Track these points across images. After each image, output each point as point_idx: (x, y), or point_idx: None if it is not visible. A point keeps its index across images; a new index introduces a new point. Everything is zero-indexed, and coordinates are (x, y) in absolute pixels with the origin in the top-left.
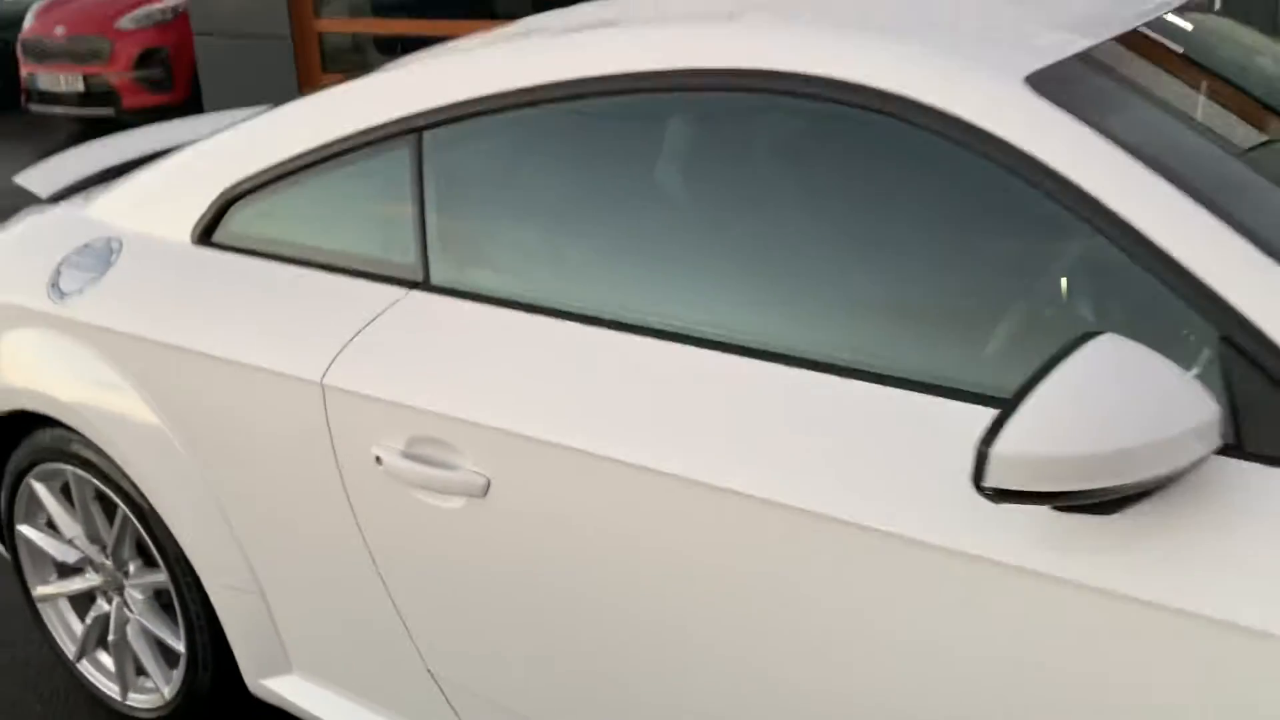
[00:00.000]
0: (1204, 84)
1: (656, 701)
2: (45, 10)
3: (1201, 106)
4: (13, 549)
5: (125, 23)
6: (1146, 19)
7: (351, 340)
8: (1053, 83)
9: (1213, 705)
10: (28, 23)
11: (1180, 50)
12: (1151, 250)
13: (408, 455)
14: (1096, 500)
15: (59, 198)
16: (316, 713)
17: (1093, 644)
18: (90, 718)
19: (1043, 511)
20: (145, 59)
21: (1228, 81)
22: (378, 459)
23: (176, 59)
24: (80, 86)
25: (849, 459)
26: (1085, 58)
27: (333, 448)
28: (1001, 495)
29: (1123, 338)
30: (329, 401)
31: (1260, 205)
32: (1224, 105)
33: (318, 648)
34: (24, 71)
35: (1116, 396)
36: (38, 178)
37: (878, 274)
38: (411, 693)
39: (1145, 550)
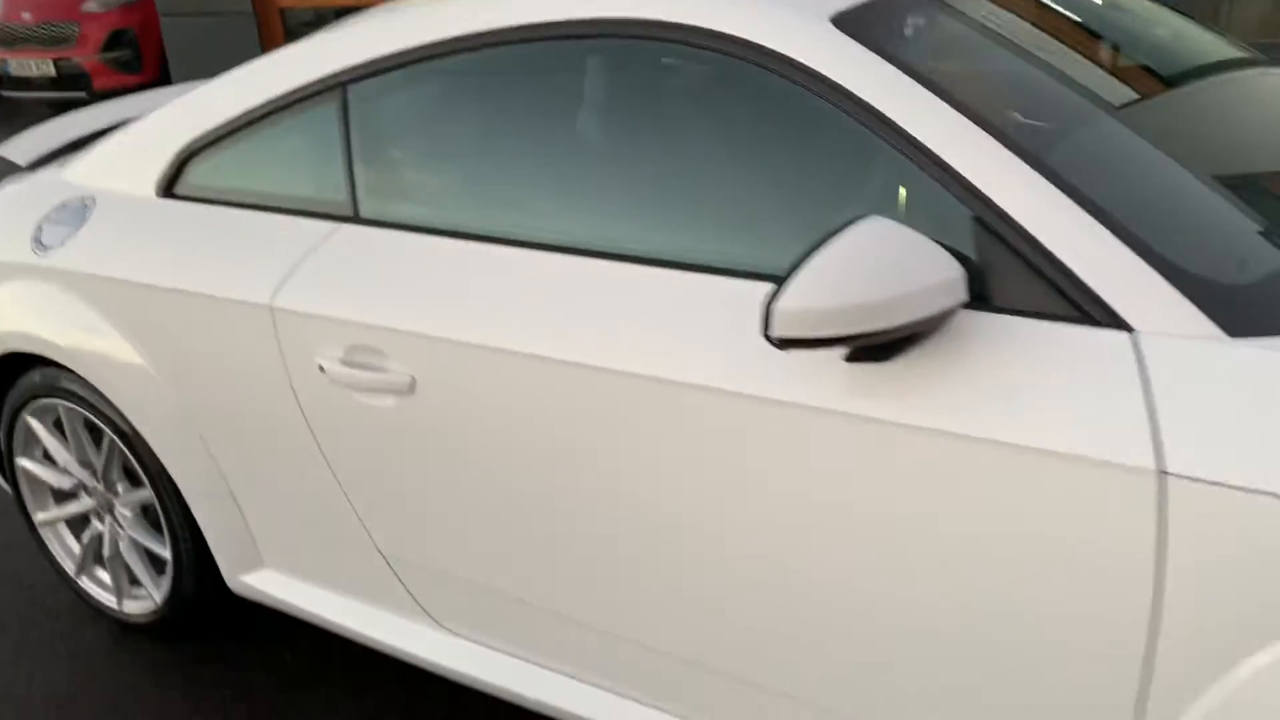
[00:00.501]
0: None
1: (561, 555)
2: None
3: (994, 35)
4: (13, 481)
5: (91, 6)
6: None
7: (295, 269)
8: (853, 21)
9: (987, 512)
10: None
11: None
12: (925, 152)
13: (346, 362)
14: (870, 345)
15: (37, 165)
16: (289, 600)
17: (883, 467)
18: (93, 627)
19: (838, 363)
20: (113, 41)
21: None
22: (321, 368)
23: (144, 39)
24: (51, 71)
25: (704, 337)
26: (883, 2)
27: (283, 361)
28: (786, 343)
29: (886, 219)
30: (278, 321)
31: (1023, 114)
32: (1020, 35)
33: (284, 542)
34: None
35: (876, 260)
36: (17, 148)
37: (712, 185)
38: (366, 573)
39: (921, 388)
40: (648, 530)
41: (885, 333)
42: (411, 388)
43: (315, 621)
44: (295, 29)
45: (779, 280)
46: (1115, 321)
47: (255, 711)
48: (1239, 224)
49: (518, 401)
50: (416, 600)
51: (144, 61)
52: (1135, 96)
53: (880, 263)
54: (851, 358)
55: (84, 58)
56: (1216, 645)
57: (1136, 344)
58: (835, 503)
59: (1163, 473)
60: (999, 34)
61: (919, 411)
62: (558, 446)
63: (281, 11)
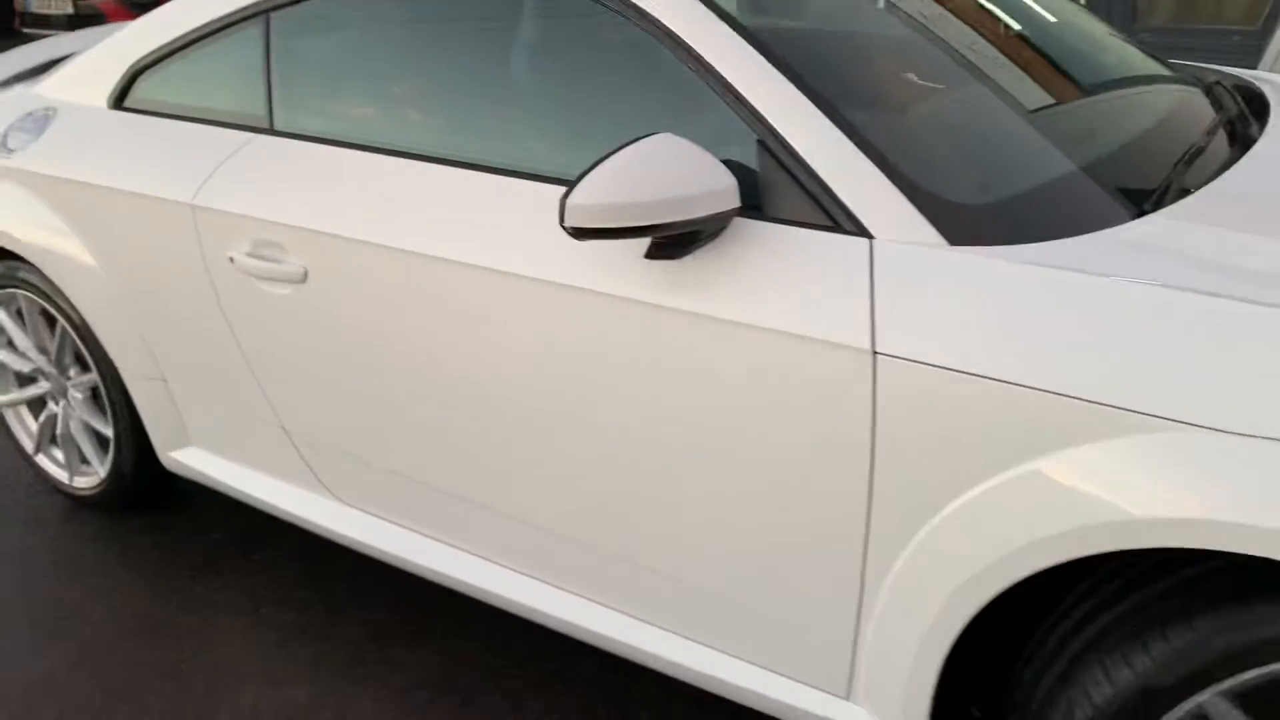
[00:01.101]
0: None
1: (419, 428)
2: None
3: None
4: None
5: None
6: None
7: (214, 172)
8: None
9: (744, 384)
10: None
11: None
12: (721, 81)
13: (251, 255)
14: (658, 240)
15: (10, 83)
16: (211, 475)
17: (664, 345)
18: (49, 500)
19: (637, 259)
20: None
21: None
22: (231, 259)
23: None
24: (69, 9)
25: (530, 232)
26: None
27: (202, 254)
28: (577, 233)
29: (675, 136)
30: (197, 218)
31: (823, 63)
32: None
33: (207, 422)
34: None
35: (660, 166)
36: None
37: (554, 116)
38: (274, 450)
39: (700, 281)
40: (481, 401)
41: (663, 228)
42: (304, 277)
43: (233, 494)
44: None
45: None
46: (860, 230)
47: (179, 575)
48: (997, 156)
49: (386, 288)
50: (315, 474)
51: (158, 3)
52: (952, 46)
53: (663, 169)
54: (649, 255)
55: None
56: (924, 495)
57: (872, 249)
58: (624, 374)
59: (875, 353)
60: None
61: (697, 300)
62: (415, 328)
63: None
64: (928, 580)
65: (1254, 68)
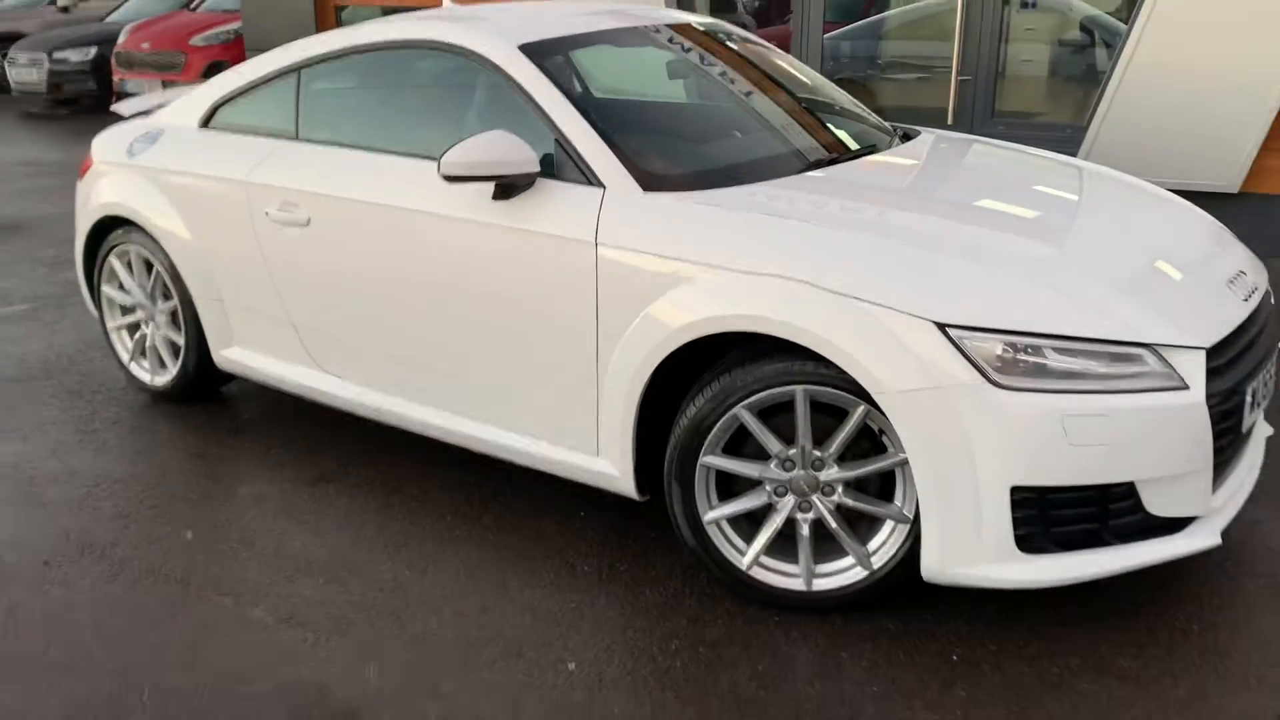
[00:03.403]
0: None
1: (374, 313)
2: (135, 30)
3: (628, 62)
4: (98, 304)
5: (197, 41)
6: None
7: (260, 162)
8: (536, 46)
9: (533, 272)
10: (121, 39)
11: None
12: (538, 108)
13: (279, 210)
14: (498, 184)
15: (134, 117)
16: (246, 364)
17: (492, 248)
18: (135, 394)
19: (487, 199)
20: (211, 69)
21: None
22: (266, 213)
23: None
24: (160, 89)
25: (431, 186)
26: (555, 41)
27: (249, 211)
28: (449, 179)
29: (507, 131)
30: (249, 189)
31: (589, 98)
32: (651, 62)
33: (245, 326)
34: (115, 78)
35: (494, 146)
36: (124, 108)
37: (450, 125)
38: (283, 340)
39: (516, 209)
40: (405, 286)
41: (498, 179)
42: (309, 223)
43: (260, 379)
44: None
45: None
46: (599, 183)
47: (220, 431)
48: (683, 148)
49: (353, 224)
50: (309, 353)
51: None
52: (712, 97)
53: (499, 146)
54: (495, 197)
55: (186, 82)
56: (621, 319)
57: (604, 193)
58: (475, 263)
59: (597, 244)
60: (621, 55)
61: (512, 219)
62: (370, 246)
63: None
64: (624, 371)
65: (1075, 154)
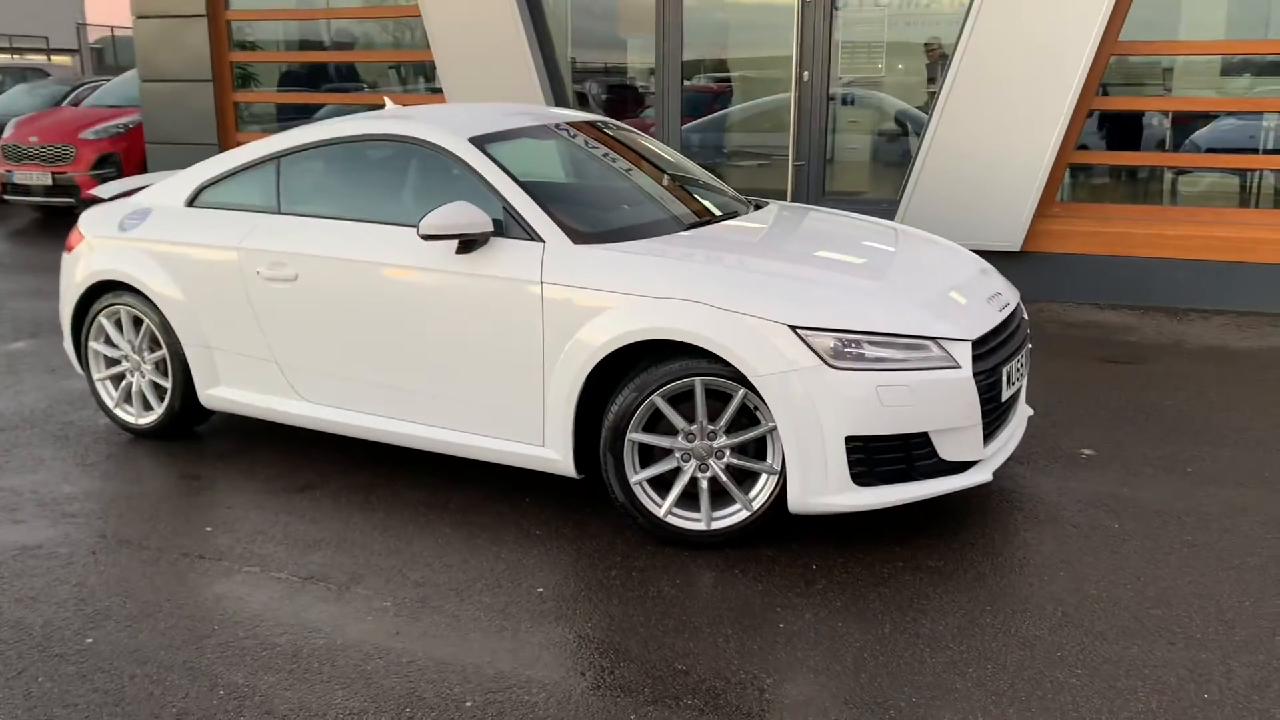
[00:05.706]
0: (571, 146)
1: (353, 350)
2: (21, 125)
3: (556, 152)
4: (83, 360)
5: (88, 134)
6: (544, 121)
7: (250, 231)
8: (480, 138)
9: (492, 307)
10: (7, 132)
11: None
12: (490, 187)
13: (270, 269)
14: (461, 241)
15: (115, 199)
16: (231, 399)
17: (457, 293)
18: (120, 433)
19: (452, 254)
20: (101, 161)
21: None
22: (258, 272)
23: (127, 160)
24: (49, 181)
25: (407, 247)
26: (494, 134)
27: (241, 272)
28: (426, 238)
29: (467, 203)
30: (240, 255)
31: (531, 181)
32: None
33: (231, 367)
34: (2, 169)
35: (458, 214)
36: (104, 191)
37: (412, 198)
38: (270, 377)
39: (476, 261)
40: (380, 327)
41: (461, 238)
42: (296, 279)
43: (244, 411)
44: None
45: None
46: (539, 239)
47: (204, 458)
48: (605, 213)
49: (335, 278)
50: (292, 386)
51: (123, 176)
52: (599, 170)
53: (462, 214)
54: (458, 251)
55: (76, 173)
56: (560, 342)
57: (545, 247)
58: (441, 306)
59: (543, 282)
60: (554, 147)
61: (473, 268)
62: (350, 297)
63: (239, 143)
64: (565, 378)
65: (893, 218)
